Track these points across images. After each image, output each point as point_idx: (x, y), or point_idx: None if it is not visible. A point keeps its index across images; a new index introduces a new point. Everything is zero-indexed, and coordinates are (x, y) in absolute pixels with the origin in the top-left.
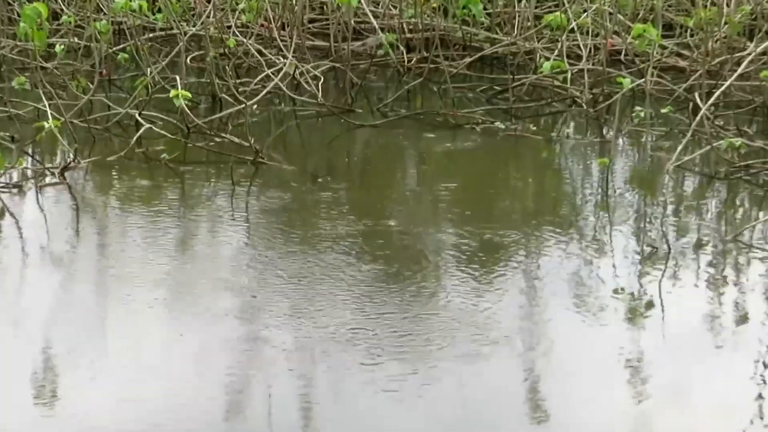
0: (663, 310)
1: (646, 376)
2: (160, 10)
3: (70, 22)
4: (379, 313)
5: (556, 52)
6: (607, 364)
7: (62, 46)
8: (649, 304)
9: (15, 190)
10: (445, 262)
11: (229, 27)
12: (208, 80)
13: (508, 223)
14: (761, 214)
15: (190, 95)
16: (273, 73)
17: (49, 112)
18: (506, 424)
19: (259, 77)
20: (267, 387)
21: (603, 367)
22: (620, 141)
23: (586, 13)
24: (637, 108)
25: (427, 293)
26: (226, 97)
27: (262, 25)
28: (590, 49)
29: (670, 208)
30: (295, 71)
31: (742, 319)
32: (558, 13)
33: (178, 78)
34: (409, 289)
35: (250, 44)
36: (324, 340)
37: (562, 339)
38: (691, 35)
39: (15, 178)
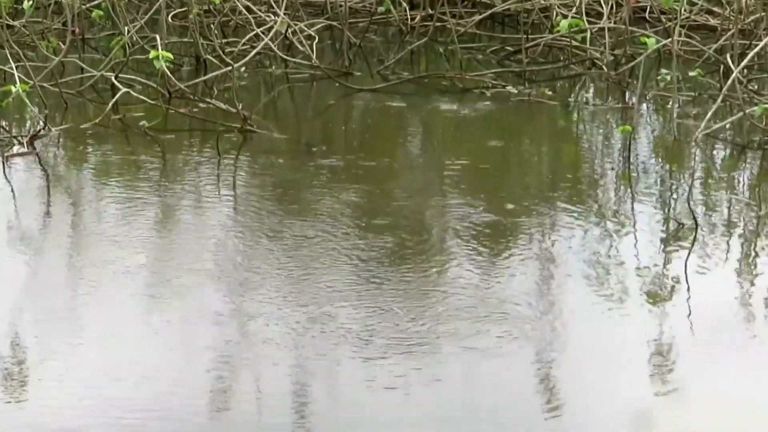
0: (689, 292)
1: (669, 366)
2: None
3: None
4: (381, 298)
5: (574, 9)
6: (627, 351)
7: (30, 3)
8: (674, 286)
9: None
10: (454, 240)
11: None
12: (192, 40)
13: (522, 197)
14: None
15: (171, 56)
16: (263, 33)
17: (16, 75)
18: (520, 418)
19: (248, 37)
20: (256, 381)
21: (623, 355)
22: (644, 107)
23: None
24: (663, 71)
25: (434, 274)
26: (211, 58)
27: None
28: (612, 5)
29: (698, 180)
30: (287, 30)
31: None
32: None
33: (158, 37)
34: (415, 271)
35: (238, 0)
36: (319, 328)
37: (579, 324)
38: None
39: None
